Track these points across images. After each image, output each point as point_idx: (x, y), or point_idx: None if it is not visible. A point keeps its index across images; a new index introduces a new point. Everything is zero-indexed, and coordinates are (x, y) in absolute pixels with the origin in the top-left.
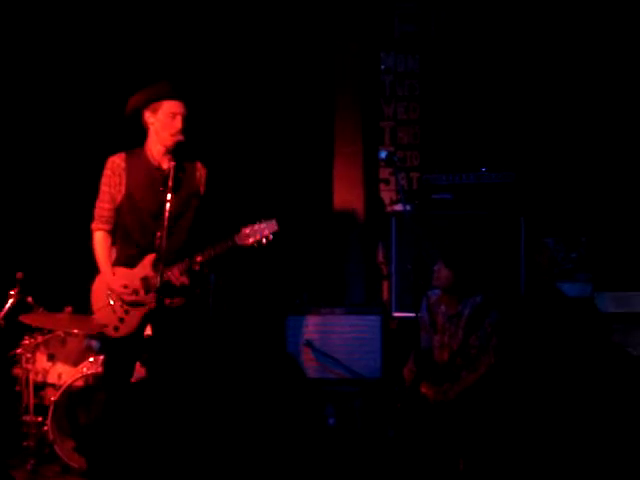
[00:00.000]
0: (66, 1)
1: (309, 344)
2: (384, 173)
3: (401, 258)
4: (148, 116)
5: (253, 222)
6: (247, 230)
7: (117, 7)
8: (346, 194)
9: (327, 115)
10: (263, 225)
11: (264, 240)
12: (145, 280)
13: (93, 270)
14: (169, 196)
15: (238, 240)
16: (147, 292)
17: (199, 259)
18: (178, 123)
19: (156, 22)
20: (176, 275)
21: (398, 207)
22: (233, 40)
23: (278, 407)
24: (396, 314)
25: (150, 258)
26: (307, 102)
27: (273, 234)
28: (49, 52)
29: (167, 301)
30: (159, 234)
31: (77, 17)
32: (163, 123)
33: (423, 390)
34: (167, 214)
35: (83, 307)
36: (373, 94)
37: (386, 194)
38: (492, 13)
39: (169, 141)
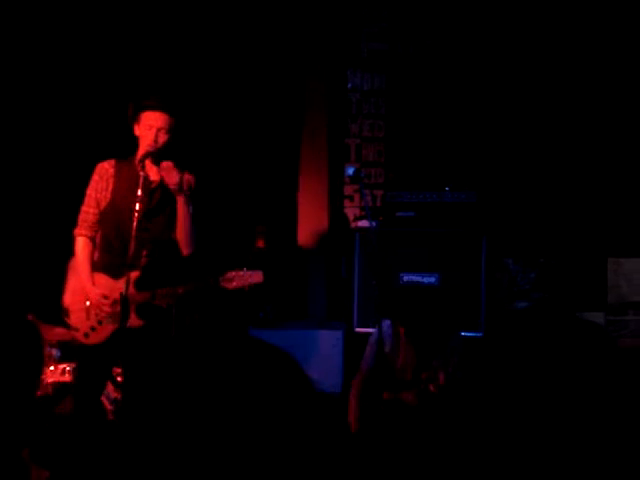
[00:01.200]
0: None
1: None
2: (349, 190)
3: (364, 274)
4: (135, 128)
5: (240, 267)
6: (232, 274)
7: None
8: (311, 209)
9: (294, 131)
10: (249, 274)
11: (246, 288)
12: (124, 299)
13: (57, 277)
14: (137, 206)
15: (221, 282)
16: (124, 313)
17: (180, 291)
18: (152, 135)
19: (144, 35)
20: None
21: (363, 223)
22: (205, 54)
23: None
24: (358, 330)
25: (135, 275)
26: (275, 118)
27: (256, 285)
28: (45, 60)
29: (137, 321)
30: (145, 252)
31: (75, 25)
32: (142, 134)
33: (407, 398)
34: (135, 224)
35: (45, 315)
36: (340, 111)
37: (350, 210)
38: (456, 33)
39: (142, 151)
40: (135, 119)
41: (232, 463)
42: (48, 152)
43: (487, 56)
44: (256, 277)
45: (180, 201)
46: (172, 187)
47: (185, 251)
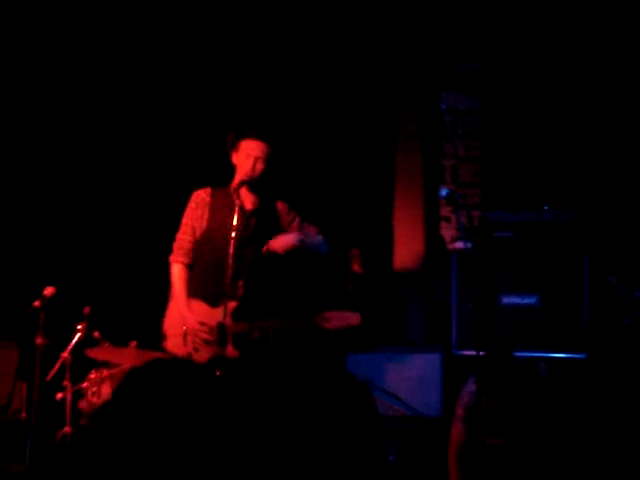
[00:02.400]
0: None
1: (368, 382)
2: (445, 211)
3: (462, 296)
4: (233, 156)
5: (339, 308)
6: (329, 315)
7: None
8: (407, 231)
9: (388, 153)
10: (347, 315)
11: (342, 329)
12: (221, 327)
13: (159, 304)
14: (233, 234)
15: (318, 321)
16: (221, 341)
17: (277, 325)
18: (250, 163)
19: (241, 62)
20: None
21: (459, 245)
22: (299, 78)
23: (344, 436)
24: (457, 352)
25: (232, 306)
26: (368, 140)
27: (352, 327)
28: (146, 89)
29: (234, 352)
30: (241, 282)
31: (174, 55)
32: (239, 162)
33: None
34: (231, 251)
35: (148, 341)
36: (434, 132)
37: (447, 232)
38: (552, 50)
39: (237, 181)
40: (234, 147)
41: None
42: (149, 181)
43: (584, 71)
44: (353, 319)
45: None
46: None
47: None
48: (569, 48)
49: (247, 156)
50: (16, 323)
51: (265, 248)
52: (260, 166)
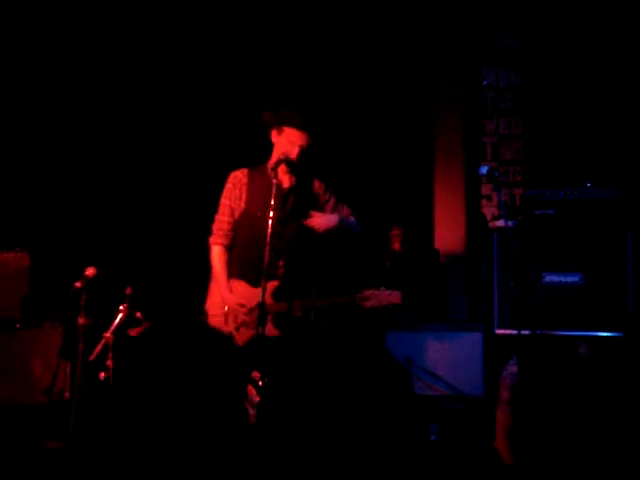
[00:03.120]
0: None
1: (408, 361)
2: (486, 189)
3: (503, 274)
4: (274, 135)
5: (378, 287)
6: (369, 293)
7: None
8: (447, 210)
9: (428, 131)
10: (386, 293)
11: (382, 308)
12: (262, 307)
13: (200, 285)
14: (271, 214)
15: (358, 300)
16: (261, 321)
17: (317, 304)
18: (293, 152)
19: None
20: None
21: (500, 223)
22: (338, 56)
23: (384, 420)
24: (498, 331)
25: (272, 285)
26: (408, 118)
27: (393, 306)
28: (185, 69)
29: (275, 331)
30: (281, 262)
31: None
32: (281, 144)
33: None
34: (269, 231)
35: (189, 322)
36: (475, 109)
37: (488, 210)
38: (596, 25)
39: (274, 159)
40: (277, 128)
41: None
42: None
43: (627, 45)
44: (394, 298)
45: None
46: None
47: None
48: (612, 20)
49: (291, 143)
50: (59, 304)
51: (305, 222)
52: (302, 152)
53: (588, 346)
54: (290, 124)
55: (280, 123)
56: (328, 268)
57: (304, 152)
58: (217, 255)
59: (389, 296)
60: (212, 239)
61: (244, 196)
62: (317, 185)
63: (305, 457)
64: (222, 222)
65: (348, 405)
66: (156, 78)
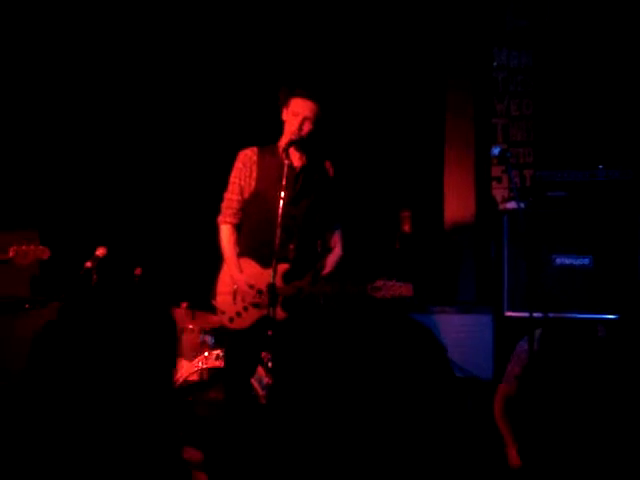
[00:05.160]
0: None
1: None
2: (496, 171)
3: (513, 256)
4: (284, 112)
5: (389, 277)
6: (380, 283)
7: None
8: (457, 192)
9: (437, 112)
10: (398, 285)
11: (393, 299)
12: (272, 288)
13: (210, 266)
14: (282, 194)
15: (369, 290)
16: (271, 303)
17: (327, 290)
18: (296, 123)
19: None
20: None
21: (511, 205)
22: (348, 37)
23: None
24: (508, 313)
25: (283, 268)
26: (417, 99)
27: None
28: (193, 49)
29: (282, 313)
30: (292, 246)
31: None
32: (288, 120)
33: None
34: (280, 211)
35: (199, 303)
36: (485, 90)
37: (498, 192)
38: (607, 5)
39: (285, 139)
40: (285, 103)
41: (378, 448)
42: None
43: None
44: (405, 290)
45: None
46: None
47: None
48: (624, 1)
49: (295, 114)
50: (69, 284)
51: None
52: (308, 126)
53: (606, 329)
54: (294, 94)
55: (287, 97)
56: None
57: (311, 125)
58: (226, 234)
59: (400, 288)
60: (221, 218)
61: (254, 175)
62: (328, 166)
63: (317, 436)
64: (232, 201)
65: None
66: (164, 58)
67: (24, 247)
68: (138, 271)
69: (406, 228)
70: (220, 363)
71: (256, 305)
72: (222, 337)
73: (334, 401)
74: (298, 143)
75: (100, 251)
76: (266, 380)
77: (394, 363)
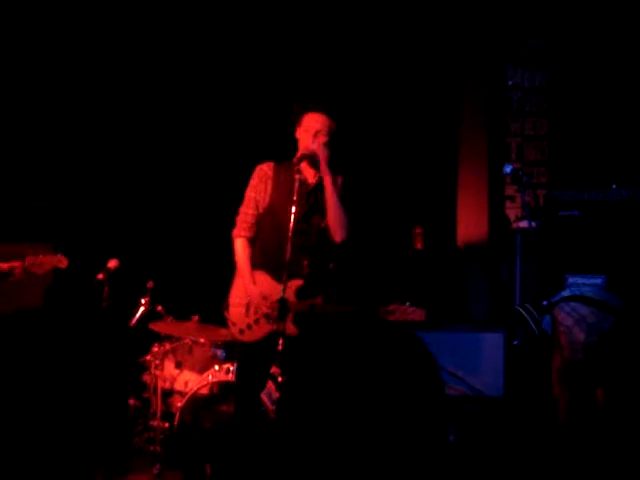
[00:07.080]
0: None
1: None
2: (510, 190)
3: (526, 276)
4: (297, 130)
5: (403, 302)
6: (393, 307)
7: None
8: (470, 210)
9: (452, 130)
10: (411, 309)
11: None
12: (283, 302)
13: (222, 279)
14: (293, 209)
15: (382, 312)
16: (281, 317)
17: (341, 310)
18: (309, 137)
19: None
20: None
21: (523, 224)
22: (363, 54)
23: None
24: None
25: (297, 284)
26: (433, 118)
27: (416, 322)
28: (211, 64)
29: (294, 329)
30: (306, 262)
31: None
32: (301, 137)
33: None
34: (292, 226)
35: (210, 316)
36: (499, 110)
37: (511, 211)
38: (621, 27)
39: (298, 154)
40: (297, 121)
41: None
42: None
43: None
44: (417, 315)
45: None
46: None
47: (337, 238)
48: (638, 22)
49: (307, 129)
50: (81, 295)
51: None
52: (321, 138)
53: None
54: (306, 110)
55: (299, 114)
56: (351, 269)
57: (325, 138)
58: (241, 247)
59: (413, 313)
60: (236, 231)
61: (269, 190)
62: (340, 181)
63: (325, 451)
64: (247, 215)
65: (372, 400)
66: (181, 72)
67: (40, 257)
68: (150, 284)
69: (418, 245)
70: (230, 377)
71: (269, 317)
72: (233, 351)
73: (341, 416)
74: (311, 159)
75: (112, 263)
76: (276, 395)
77: (396, 384)
